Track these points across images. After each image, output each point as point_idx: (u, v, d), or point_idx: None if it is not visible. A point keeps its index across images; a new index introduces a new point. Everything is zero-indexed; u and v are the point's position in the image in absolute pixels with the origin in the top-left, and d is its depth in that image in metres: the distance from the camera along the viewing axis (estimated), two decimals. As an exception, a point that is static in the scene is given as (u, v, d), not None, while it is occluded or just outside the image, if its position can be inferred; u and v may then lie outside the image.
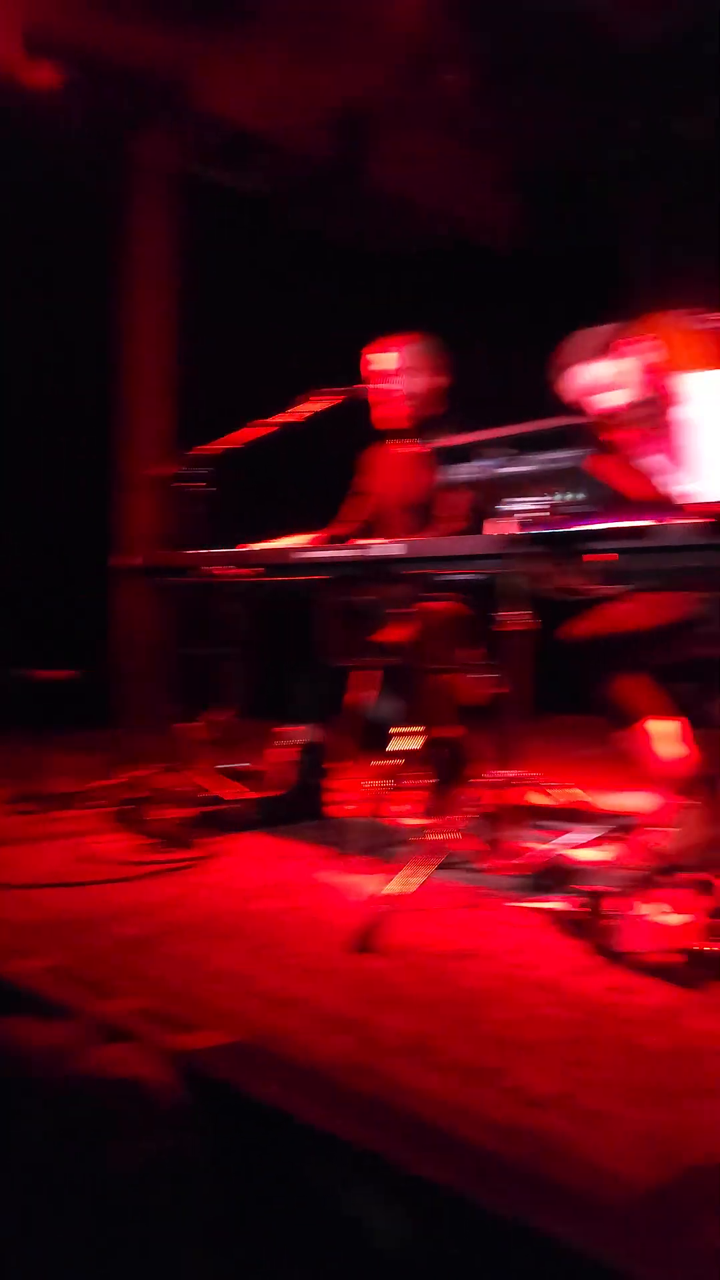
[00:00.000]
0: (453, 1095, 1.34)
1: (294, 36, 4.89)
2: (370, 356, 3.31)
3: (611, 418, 2.64)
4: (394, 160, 5.77)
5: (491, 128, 5.97)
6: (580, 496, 2.08)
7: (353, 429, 3.55)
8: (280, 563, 2.81)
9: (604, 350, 2.67)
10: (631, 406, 2.68)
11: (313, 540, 3.03)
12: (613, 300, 5.94)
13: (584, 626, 2.59)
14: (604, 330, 2.43)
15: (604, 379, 2.70)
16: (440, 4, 4.94)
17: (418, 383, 3.27)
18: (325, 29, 4.84)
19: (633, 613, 2.59)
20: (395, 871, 2.08)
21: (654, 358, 2.73)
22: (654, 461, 2.49)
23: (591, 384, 2.76)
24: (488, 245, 6.43)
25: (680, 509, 1.92)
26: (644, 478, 2.03)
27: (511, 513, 2.13)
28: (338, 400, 3.16)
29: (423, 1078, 1.40)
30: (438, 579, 2.49)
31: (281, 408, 3.22)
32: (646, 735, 2.62)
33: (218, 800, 3.08)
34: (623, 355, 2.73)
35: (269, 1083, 1.38)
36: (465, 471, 2.23)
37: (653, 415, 2.64)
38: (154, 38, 4.91)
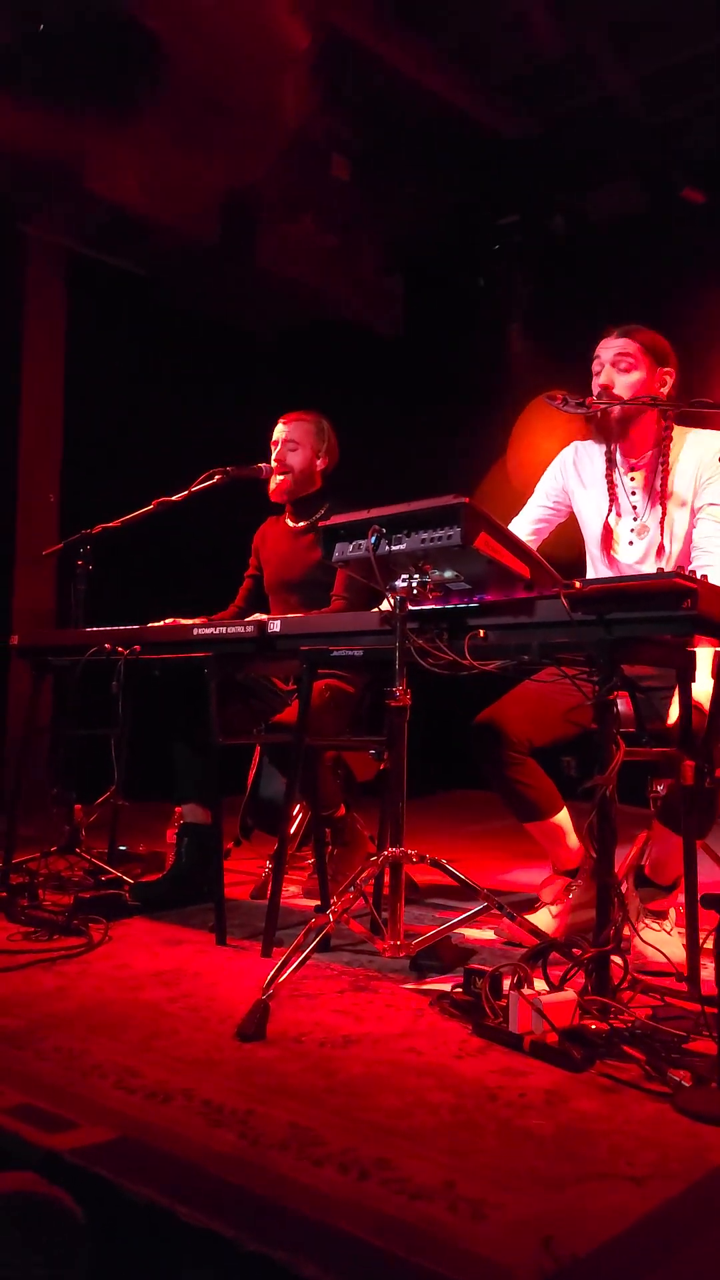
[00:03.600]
0: (335, 1189, 1.31)
1: (180, 124, 5.02)
2: (275, 431, 3.37)
3: None
4: (278, 243, 5.93)
5: (372, 214, 6.21)
6: (460, 574, 2.14)
7: (243, 507, 3.59)
8: (164, 640, 2.79)
9: None
10: None
11: (197, 621, 3.03)
12: (492, 383, 6.20)
13: (487, 712, 2.64)
14: None
15: None
16: (320, 97, 5.15)
17: (310, 461, 3.33)
18: (211, 117, 4.98)
19: (522, 697, 2.66)
20: (284, 954, 2.05)
21: None
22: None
23: None
24: (370, 327, 6.63)
25: (560, 586, 1.98)
26: (528, 555, 2.09)
27: (393, 590, 2.17)
28: (232, 478, 3.19)
29: (306, 1171, 1.36)
30: (324, 656, 2.50)
31: (173, 486, 3.23)
32: (554, 827, 2.67)
33: (102, 885, 3.00)
34: None
35: (149, 1181, 1.33)
36: (350, 549, 2.26)
37: None
38: (46, 123, 4.98)
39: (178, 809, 3.19)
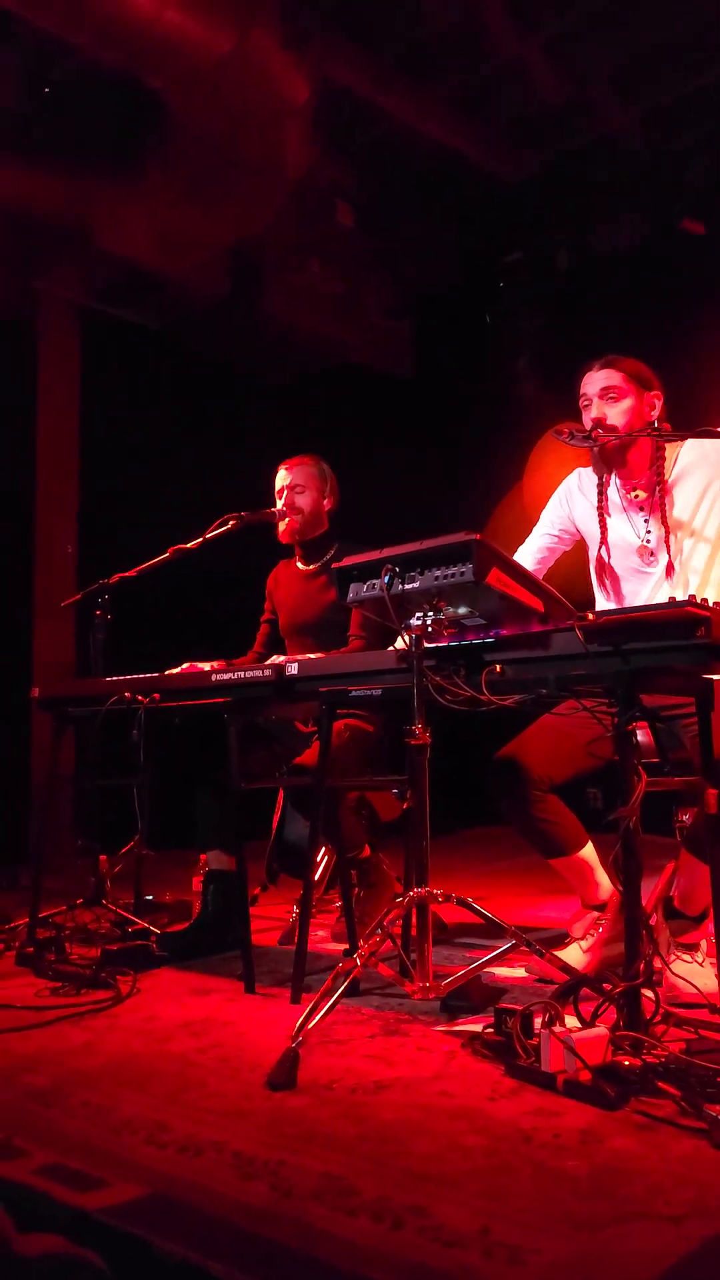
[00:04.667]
0: (369, 1239, 1.30)
1: (186, 178, 5.13)
2: (276, 477, 3.41)
3: None
4: (286, 292, 6.03)
5: (378, 258, 6.30)
6: (474, 610, 2.15)
7: (259, 553, 3.63)
8: (183, 687, 2.81)
9: None
10: None
11: (213, 667, 3.05)
12: (502, 419, 6.25)
13: (506, 749, 2.64)
14: None
15: None
16: (322, 147, 5.25)
17: (317, 502, 3.37)
18: (216, 171, 5.09)
19: (541, 732, 2.65)
20: (313, 1000, 2.04)
21: None
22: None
23: None
24: (381, 369, 6.71)
25: (575, 618, 1.99)
26: (541, 588, 2.10)
27: (408, 628, 2.18)
28: (245, 523, 3.23)
29: (339, 1222, 1.35)
30: (342, 696, 2.51)
31: (188, 534, 3.26)
32: (580, 862, 2.66)
33: (129, 936, 3.00)
34: None
35: (180, 1238, 1.32)
36: (364, 589, 2.28)
37: None
38: (56, 182, 5.11)
39: (202, 856, 3.19)
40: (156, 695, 2.82)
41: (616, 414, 2.66)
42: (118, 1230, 1.35)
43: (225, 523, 3.22)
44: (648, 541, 2.70)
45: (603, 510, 2.75)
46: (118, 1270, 1.25)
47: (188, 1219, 1.38)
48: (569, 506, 2.87)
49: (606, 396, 2.68)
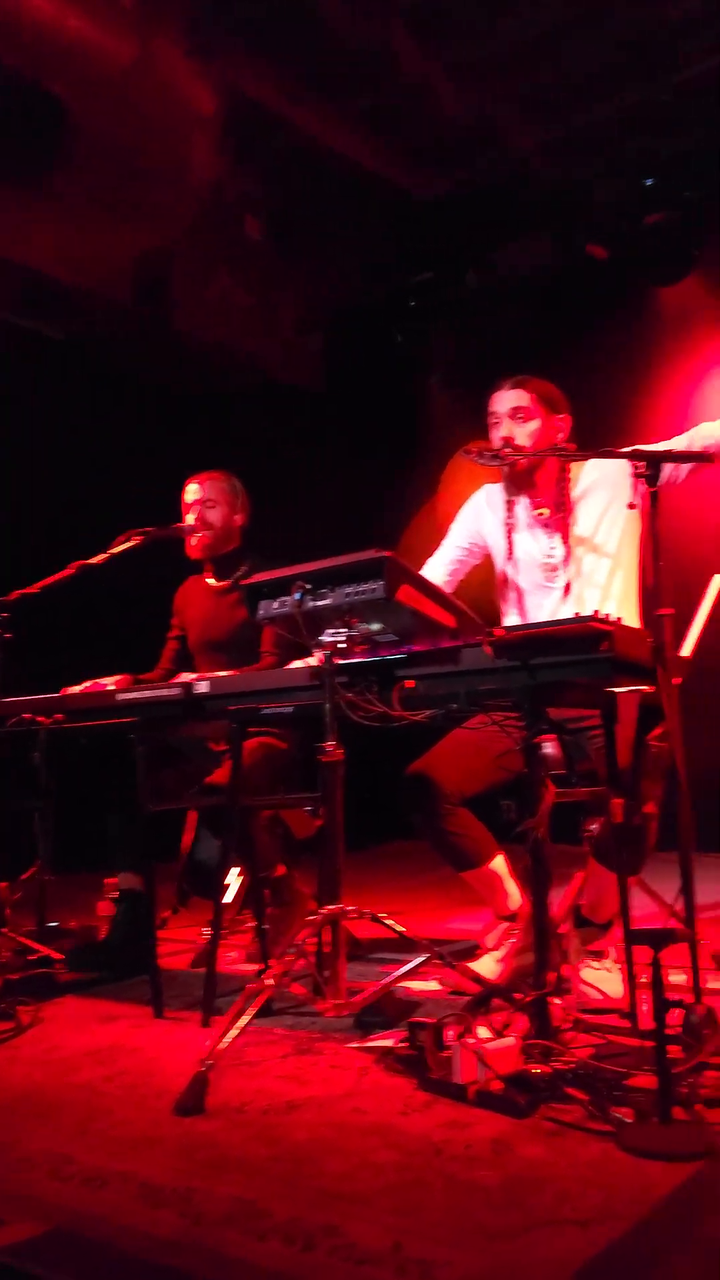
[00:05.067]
0: (280, 1262, 1.30)
1: (91, 188, 5.08)
2: (186, 492, 3.39)
3: None
4: (194, 305, 6.00)
5: (288, 273, 6.32)
6: (386, 626, 2.17)
7: (166, 568, 3.60)
8: (88, 707, 2.77)
9: None
10: None
11: (117, 682, 3.02)
12: (412, 435, 6.32)
13: (417, 764, 2.67)
14: None
15: None
16: (232, 159, 5.26)
17: (228, 518, 3.36)
18: (122, 181, 5.06)
19: (452, 746, 2.69)
20: (224, 1023, 2.02)
21: None
22: None
23: None
24: (291, 384, 6.72)
25: (484, 634, 2.02)
26: (451, 604, 2.13)
27: (320, 645, 2.19)
28: (153, 539, 3.19)
29: (250, 1246, 1.34)
30: (254, 714, 2.51)
31: (94, 549, 3.22)
32: (490, 874, 2.69)
33: (31, 964, 2.93)
34: None
35: (83, 1274, 1.30)
36: (275, 606, 2.28)
37: None
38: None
39: (110, 880, 3.14)
40: (59, 716, 2.77)
41: (524, 434, 2.73)
42: (15, 1270, 1.32)
43: (131, 538, 3.19)
44: (551, 558, 2.77)
45: (510, 527, 2.81)
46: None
47: (90, 1253, 1.36)
48: (478, 521, 2.92)
49: (515, 416, 2.74)
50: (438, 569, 2.95)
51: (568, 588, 2.73)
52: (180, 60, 4.51)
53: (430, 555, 2.98)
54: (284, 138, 5.40)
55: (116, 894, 3.16)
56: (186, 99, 4.67)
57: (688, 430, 2.67)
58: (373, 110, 5.37)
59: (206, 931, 3.27)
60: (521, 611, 2.83)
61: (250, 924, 3.46)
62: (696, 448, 2.59)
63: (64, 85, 4.46)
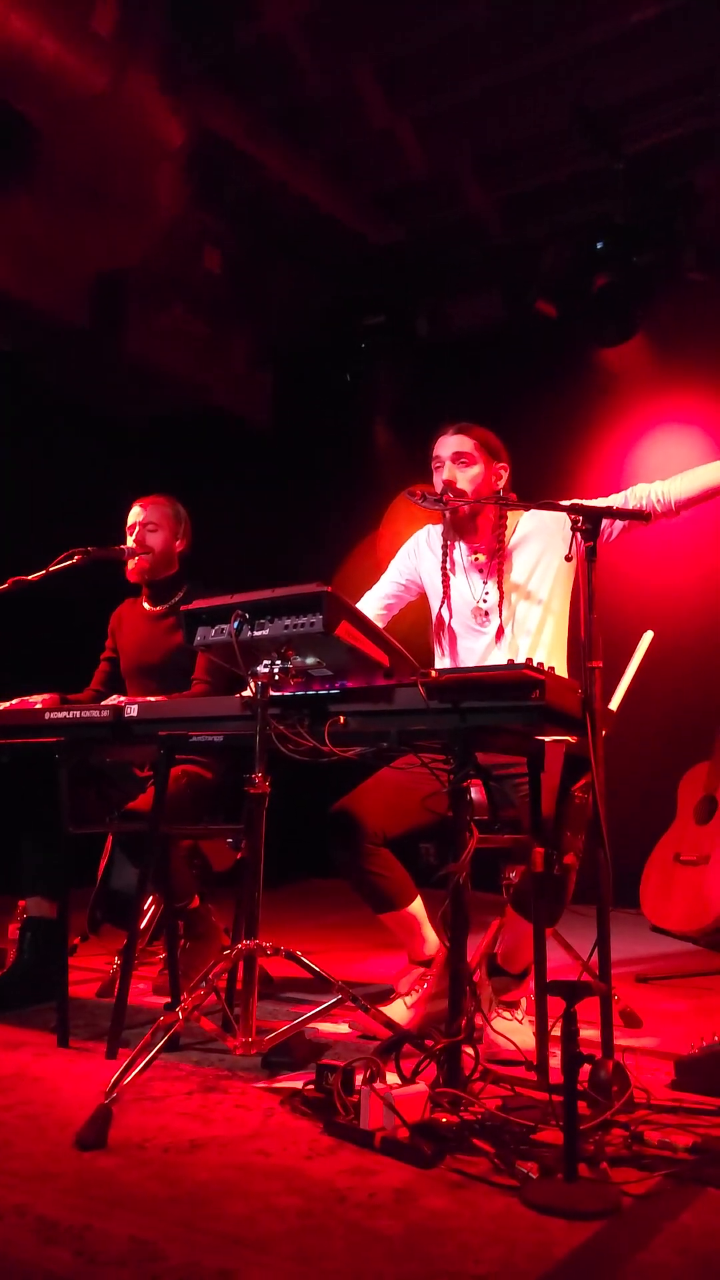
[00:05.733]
0: (175, 1308, 1.26)
1: (53, 206, 5.06)
2: (129, 514, 3.36)
3: None
4: (147, 331, 5.99)
5: (242, 307, 6.35)
6: (322, 661, 2.16)
7: (101, 589, 3.55)
8: (14, 724, 2.71)
9: None
10: None
11: (45, 700, 2.96)
12: (357, 474, 6.37)
13: (342, 801, 2.65)
14: None
15: None
16: (194, 192, 5.28)
17: (169, 543, 3.34)
18: (84, 202, 5.05)
19: (379, 785, 2.68)
20: (130, 1055, 1.97)
21: None
22: None
23: None
24: (239, 417, 6.73)
25: (418, 674, 2.03)
26: (388, 643, 2.13)
27: (255, 675, 2.17)
28: (92, 558, 3.15)
29: (144, 1291, 1.30)
30: (182, 741, 2.48)
31: (32, 566, 3.17)
32: (408, 917, 2.68)
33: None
34: None
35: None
36: (212, 633, 2.26)
37: None
38: None
39: (21, 902, 3.06)
40: (-17, 731, 2.70)
41: (465, 479, 2.77)
42: None
43: (71, 556, 3.15)
44: (484, 602, 2.80)
45: (446, 569, 2.84)
46: None
47: (-20, 1291, 1.30)
48: (416, 560, 2.95)
49: (458, 461, 2.78)
50: (374, 602, 2.97)
51: (499, 632, 2.76)
52: (151, 92, 4.53)
53: (365, 588, 3.00)
54: (247, 175, 5.45)
55: (20, 917, 3.08)
56: (154, 130, 4.68)
57: (623, 489, 2.73)
58: (336, 155, 5.46)
59: (117, 961, 3.21)
60: (453, 653, 2.85)
61: (160, 955, 3.40)
62: (630, 506, 2.65)
63: (34, 106, 4.45)
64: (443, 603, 2.86)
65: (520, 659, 1.97)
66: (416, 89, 4.98)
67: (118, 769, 3.13)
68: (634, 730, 3.01)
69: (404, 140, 5.28)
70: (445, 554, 2.86)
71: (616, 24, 4.48)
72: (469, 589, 2.83)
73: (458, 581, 2.85)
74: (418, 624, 2.98)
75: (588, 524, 2.26)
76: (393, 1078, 1.92)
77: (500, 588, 2.77)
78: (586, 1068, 1.83)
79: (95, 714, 2.53)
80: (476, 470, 2.78)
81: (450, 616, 2.85)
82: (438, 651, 2.91)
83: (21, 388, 6.15)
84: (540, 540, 2.79)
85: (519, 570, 2.78)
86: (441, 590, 2.86)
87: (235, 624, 2.15)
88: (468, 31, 4.57)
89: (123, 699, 2.82)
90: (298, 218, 5.76)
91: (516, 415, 3.14)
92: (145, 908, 3.27)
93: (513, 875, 2.59)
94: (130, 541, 3.30)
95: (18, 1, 3.99)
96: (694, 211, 5.26)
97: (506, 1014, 2.55)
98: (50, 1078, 2.22)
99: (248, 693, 2.24)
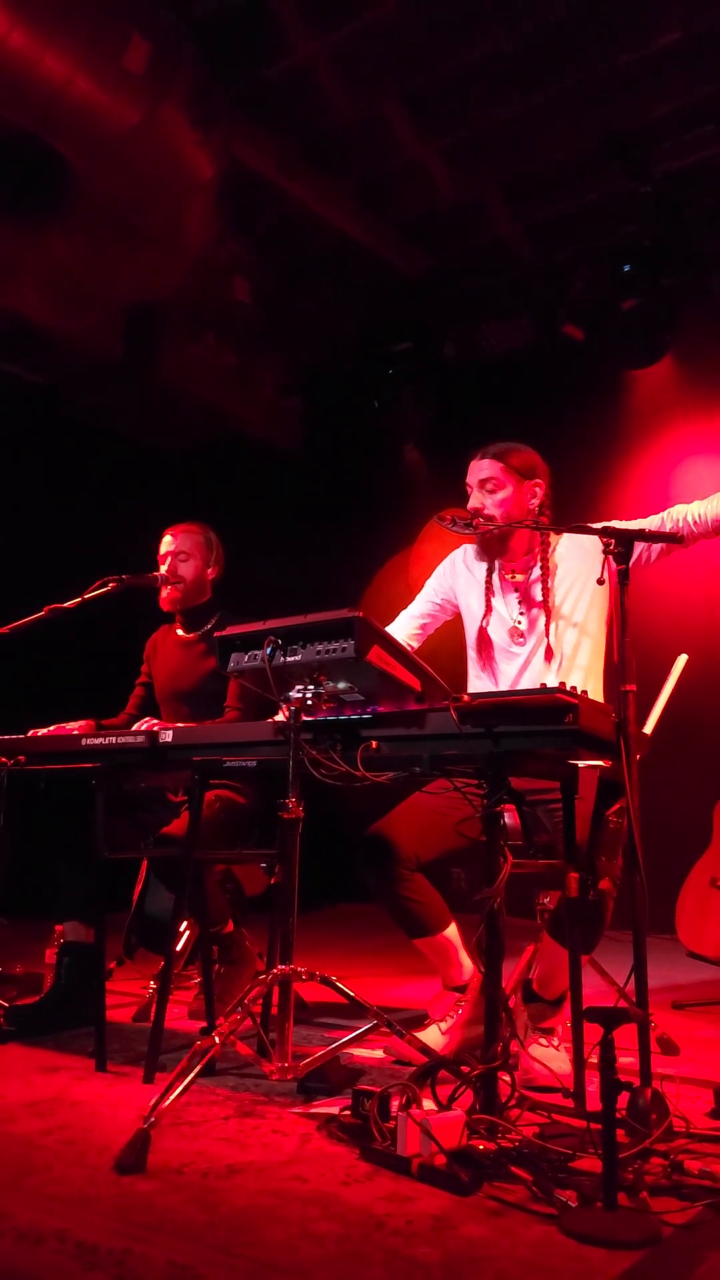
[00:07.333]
0: (214, 1334, 1.26)
1: (87, 240, 5.15)
2: (161, 543, 3.40)
3: None
4: (180, 360, 6.07)
5: (273, 336, 6.42)
6: (353, 686, 2.18)
7: (137, 616, 3.59)
8: (51, 750, 2.74)
9: None
10: None
11: (81, 727, 2.99)
12: (386, 499, 6.40)
13: (376, 826, 2.66)
14: None
15: None
16: (226, 224, 5.36)
17: (201, 571, 3.37)
18: (117, 236, 5.13)
19: (412, 810, 2.69)
20: (167, 1080, 1.98)
21: None
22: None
23: None
24: (270, 443, 6.80)
25: (450, 699, 2.04)
26: (419, 667, 2.14)
27: (287, 700, 2.19)
28: (126, 586, 3.20)
29: (184, 1317, 1.30)
30: (216, 766, 2.50)
31: (68, 594, 3.21)
32: (443, 942, 2.68)
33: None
34: None
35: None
36: (245, 659, 2.28)
37: None
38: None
39: (58, 927, 3.08)
40: (22, 758, 2.74)
41: (493, 504, 2.78)
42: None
43: (106, 584, 3.19)
44: (519, 623, 2.81)
45: (489, 589, 2.85)
46: None
47: (22, 1315, 1.31)
48: (452, 579, 2.97)
49: (484, 488, 2.80)
50: (409, 622, 2.98)
51: (536, 653, 2.76)
52: (183, 127, 4.61)
53: (394, 611, 3.02)
54: (278, 207, 5.53)
55: (57, 942, 3.10)
56: (186, 164, 4.76)
57: (662, 512, 2.73)
58: (366, 187, 5.53)
59: (152, 985, 3.22)
60: (491, 675, 2.85)
61: (195, 979, 3.41)
62: (666, 529, 2.65)
63: (68, 143, 4.54)
64: (478, 623, 2.87)
65: (554, 682, 1.97)
66: (445, 118, 5.04)
67: (151, 795, 3.15)
68: (668, 754, 2.99)
69: (433, 169, 5.34)
70: (486, 574, 2.87)
71: (641, 50, 4.52)
72: (504, 609, 2.84)
73: (495, 601, 2.86)
74: (444, 648, 2.99)
75: (619, 547, 2.26)
76: (429, 1104, 1.92)
77: (538, 609, 2.78)
78: (624, 1095, 1.82)
79: (131, 739, 2.56)
80: (504, 494, 2.79)
81: (481, 638, 2.85)
82: (473, 672, 2.91)
83: (57, 418, 6.25)
84: (575, 562, 2.79)
85: (555, 592, 2.78)
86: (483, 611, 2.86)
87: (268, 650, 2.17)
88: (494, 60, 4.63)
89: (156, 723, 2.84)
90: (327, 247, 5.84)
91: (547, 438, 3.15)
92: (180, 932, 3.28)
93: (547, 901, 2.58)
94: (163, 570, 3.34)
95: (52, 42, 4.08)
96: (720, 234, 5.29)
97: (543, 1040, 2.54)
98: (88, 1102, 2.23)
99: (281, 718, 2.26)
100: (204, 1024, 2.74)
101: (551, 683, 1.96)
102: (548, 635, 2.75)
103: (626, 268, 5.51)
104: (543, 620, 2.77)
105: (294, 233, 5.74)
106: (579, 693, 1.95)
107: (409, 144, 5.16)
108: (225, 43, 4.60)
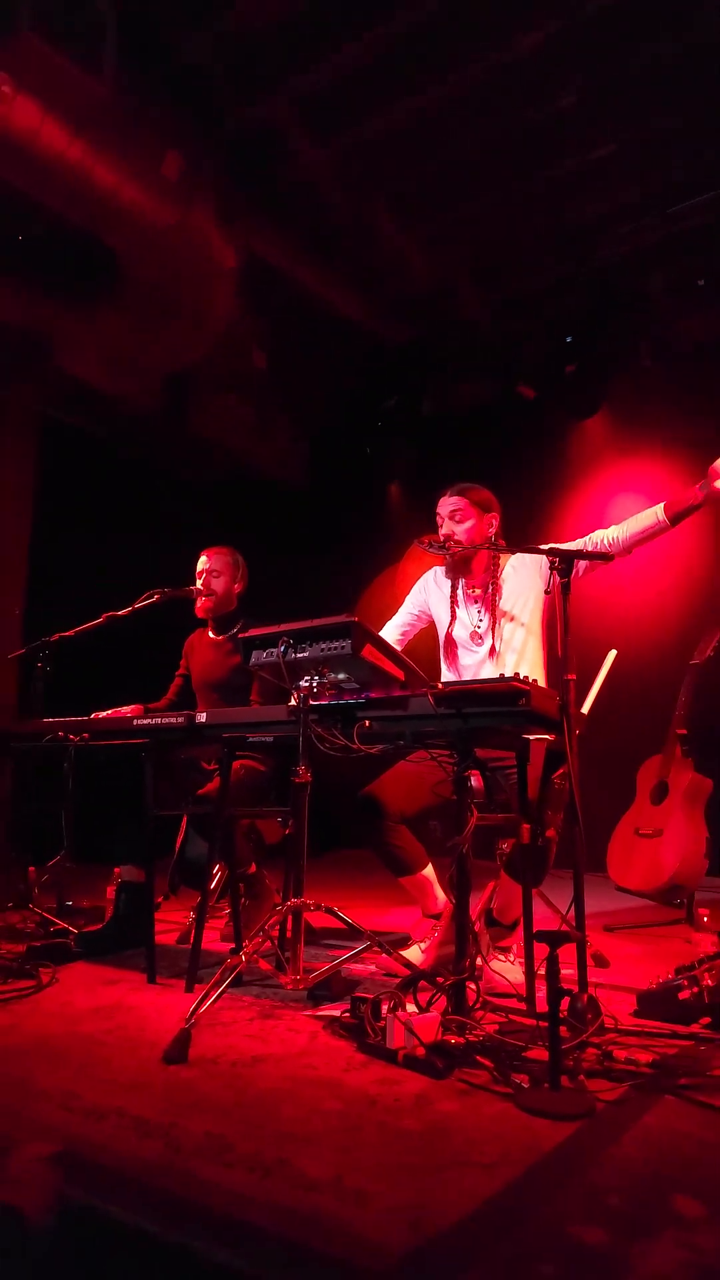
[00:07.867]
0: (243, 1186, 1.29)
1: (133, 317, 5.17)
2: (198, 561, 3.42)
3: None
4: (207, 414, 6.09)
5: (283, 393, 6.44)
6: (350, 676, 2.21)
7: (176, 621, 3.61)
8: (109, 729, 2.77)
9: None
10: None
11: (132, 710, 3.02)
12: (376, 528, 6.40)
13: (368, 788, 2.69)
14: None
15: None
16: (244, 303, 5.37)
17: (229, 585, 3.39)
18: (157, 313, 5.14)
19: (397, 775, 2.72)
20: (204, 989, 2.01)
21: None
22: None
23: None
24: (281, 482, 6.81)
25: (428, 687, 2.07)
26: (403, 661, 2.17)
27: (297, 689, 2.22)
28: (168, 598, 3.22)
29: (219, 1173, 1.34)
30: (241, 741, 2.52)
31: (119, 603, 3.24)
32: (422, 880, 2.71)
33: (51, 935, 2.89)
34: None
35: (85, 1186, 1.28)
36: (264, 656, 2.31)
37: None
38: (23, 309, 5.05)
39: (116, 870, 3.11)
40: (85, 735, 2.77)
41: (461, 532, 2.81)
42: (36, 1181, 1.31)
43: (151, 595, 3.22)
44: (478, 628, 2.84)
45: (454, 602, 2.88)
46: (27, 1216, 1.21)
47: (94, 1171, 1.35)
48: (425, 595, 2.99)
49: (453, 518, 2.82)
50: (393, 630, 3.01)
51: (492, 650, 2.80)
52: (211, 224, 4.62)
53: (382, 616, 3.05)
54: (287, 289, 5.54)
55: (117, 881, 3.13)
56: (214, 255, 4.77)
57: (584, 536, 2.76)
58: (356, 271, 5.54)
59: (192, 915, 3.25)
60: (456, 669, 2.88)
61: (226, 910, 3.44)
62: (592, 549, 2.68)
63: (117, 237, 4.55)
64: (447, 628, 2.90)
65: (509, 673, 2.00)
66: (421, 214, 5.06)
67: (189, 764, 3.18)
68: (601, 729, 3.03)
69: (414, 256, 5.35)
70: (453, 590, 2.90)
71: (583, 157, 4.55)
72: (467, 616, 2.87)
73: (459, 611, 2.89)
74: (421, 646, 3.02)
75: (562, 564, 2.29)
76: (411, 1007, 1.95)
77: (492, 615, 2.81)
78: (566, 999, 1.85)
79: (173, 721, 2.59)
80: (469, 524, 2.82)
81: (453, 639, 2.89)
82: (444, 667, 2.94)
83: (108, 461, 6.26)
84: (524, 576, 2.82)
85: (507, 601, 2.81)
86: (449, 619, 2.90)
87: (282, 648, 2.20)
88: (462, 165, 4.65)
89: (193, 710, 2.86)
90: (327, 322, 5.85)
91: (504, 477, 3.18)
92: (214, 873, 3.31)
93: (505, 846, 2.61)
94: (198, 584, 3.36)
95: (104, 155, 4.10)
96: (646, 311, 5.31)
97: (501, 957, 2.57)
98: (141, 1007, 2.26)
99: (293, 702, 2.29)
100: (233, 945, 2.76)
101: (508, 674, 1.99)
102: (495, 636, 2.79)
103: (569, 339, 5.54)
104: (494, 623, 2.80)
105: (300, 310, 5.75)
106: (530, 681, 1.99)
107: (392, 235, 5.17)
108: (246, 153, 4.62)
